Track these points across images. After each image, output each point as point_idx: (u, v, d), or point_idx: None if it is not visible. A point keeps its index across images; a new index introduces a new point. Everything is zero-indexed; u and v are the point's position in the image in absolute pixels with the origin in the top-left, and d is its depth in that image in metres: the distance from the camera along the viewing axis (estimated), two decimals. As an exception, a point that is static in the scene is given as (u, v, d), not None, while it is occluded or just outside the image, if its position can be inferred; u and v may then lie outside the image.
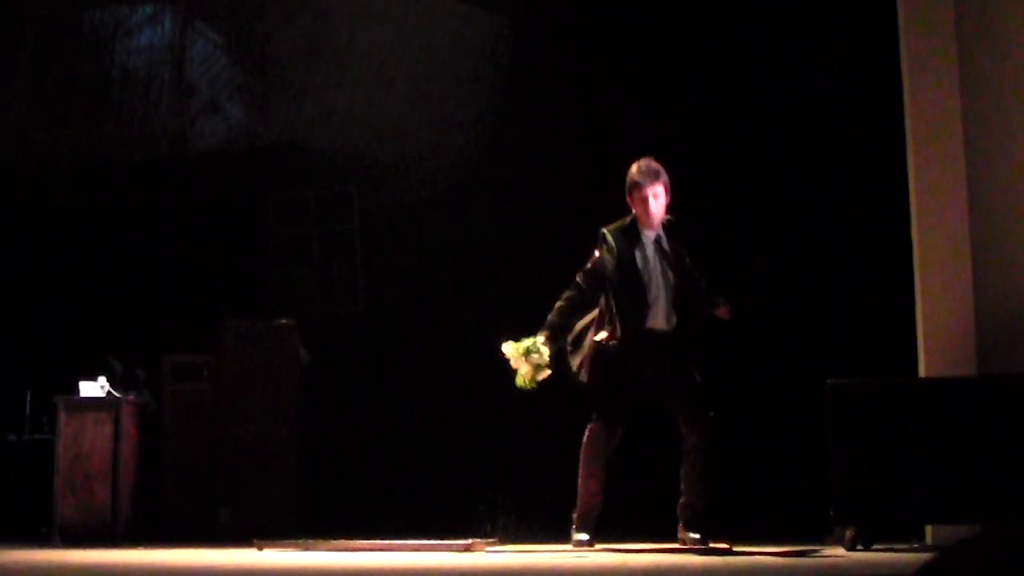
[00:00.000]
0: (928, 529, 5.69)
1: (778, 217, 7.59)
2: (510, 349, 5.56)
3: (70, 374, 7.53)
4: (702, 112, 7.76)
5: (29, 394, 8.22)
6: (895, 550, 5.27)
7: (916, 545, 5.50)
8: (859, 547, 5.24)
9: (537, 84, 8.19)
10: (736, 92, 7.68)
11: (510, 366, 5.56)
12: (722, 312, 5.69)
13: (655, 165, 5.62)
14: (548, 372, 5.55)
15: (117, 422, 7.29)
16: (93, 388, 7.38)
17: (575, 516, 5.61)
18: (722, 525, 5.77)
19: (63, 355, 8.27)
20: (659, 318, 5.56)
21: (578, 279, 5.67)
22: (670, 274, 5.56)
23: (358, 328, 8.82)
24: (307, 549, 5.86)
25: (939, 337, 5.73)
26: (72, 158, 9.17)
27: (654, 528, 5.88)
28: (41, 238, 9.17)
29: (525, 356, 5.51)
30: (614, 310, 5.58)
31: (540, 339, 5.55)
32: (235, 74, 9.41)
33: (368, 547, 5.72)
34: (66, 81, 9.38)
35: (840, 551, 5.20)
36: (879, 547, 5.28)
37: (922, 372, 5.80)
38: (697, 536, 5.44)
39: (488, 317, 8.05)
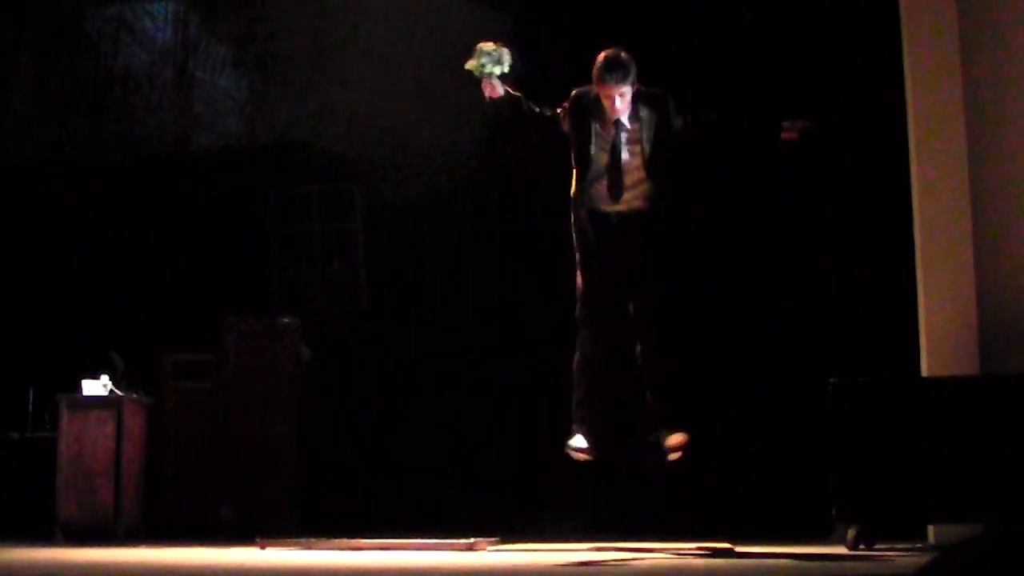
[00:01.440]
0: (930, 529, 5.69)
1: (779, 216, 7.58)
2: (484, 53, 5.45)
3: (72, 372, 7.54)
4: (705, 112, 7.75)
5: (31, 392, 8.23)
6: (897, 549, 5.27)
7: (919, 545, 5.50)
8: (861, 546, 5.24)
9: (540, 81, 8.18)
10: (738, 91, 7.67)
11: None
12: (789, 134, 5.31)
13: (623, 60, 5.28)
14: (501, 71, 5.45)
15: (119, 420, 7.30)
16: (96, 386, 7.39)
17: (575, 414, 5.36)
18: (724, 525, 5.77)
19: (65, 353, 8.28)
20: (604, 197, 5.36)
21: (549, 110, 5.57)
22: (636, 150, 5.33)
23: (360, 326, 8.82)
24: (309, 548, 5.86)
25: (942, 336, 5.72)
26: (74, 156, 9.18)
27: (654, 528, 5.88)
28: (43, 236, 9.17)
29: (487, 60, 5.43)
30: (573, 166, 5.49)
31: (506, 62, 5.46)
32: (237, 71, 9.41)
33: (371, 546, 5.72)
34: (68, 79, 9.39)
35: (842, 550, 5.20)
36: (881, 546, 5.28)
37: (924, 371, 5.80)
38: (656, 443, 5.26)
39: (490, 315, 8.07)
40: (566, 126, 5.49)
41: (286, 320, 8.24)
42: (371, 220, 9.12)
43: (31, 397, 8.23)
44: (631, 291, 5.37)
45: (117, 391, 7.44)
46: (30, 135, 9.22)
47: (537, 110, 5.60)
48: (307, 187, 9.34)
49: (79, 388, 7.43)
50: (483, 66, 5.47)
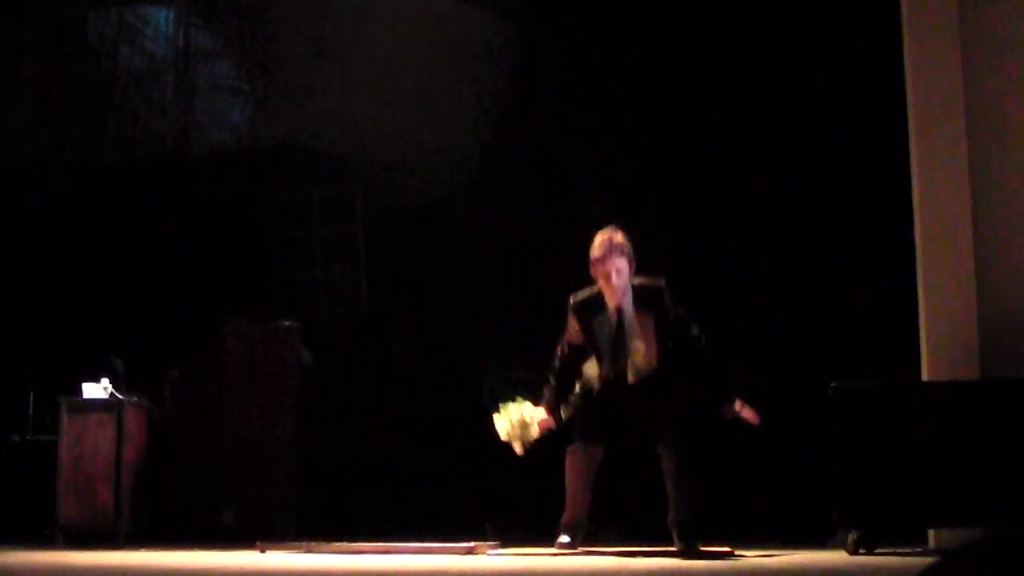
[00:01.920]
0: (931, 533, 5.68)
1: (781, 220, 7.58)
2: (504, 427, 5.75)
3: (73, 375, 7.54)
4: (706, 113, 7.76)
5: (32, 395, 8.22)
6: (897, 554, 5.26)
7: (919, 549, 5.49)
8: (861, 551, 5.24)
9: (541, 85, 8.19)
10: (740, 94, 7.68)
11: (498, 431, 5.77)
12: (739, 409, 5.64)
13: (618, 239, 5.62)
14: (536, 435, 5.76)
15: (120, 423, 7.29)
16: (96, 389, 7.39)
17: (562, 521, 5.69)
18: (725, 529, 5.76)
19: (66, 356, 8.28)
20: (622, 374, 5.63)
21: (558, 351, 5.83)
22: (640, 337, 5.59)
23: (361, 329, 8.82)
24: (309, 551, 5.85)
25: (942, 340, 5.72)
26: (76, 159, 9.18)
27: (654, 531, 5.87)
28: (44, 239, 9.18)
29: (520, 430, 5.73)
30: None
31: (533, 413, 5.74)
32: (239, 75, 9.42)
33: (370, 549, 5.72)
34: (70, 82, 9.39)
35: (843, 555, 5.20)
36: (882, 551, 5.27)
37: (925, 375, 5.79)
38: (683, 547, 5.46)
39: (491, 317, 8.07)
40: (579, 338, 5.72)
41: (287, 323, 8.24)
42: (372, 223, 9.12)
43: (32, 400, 8.23)
44: (654, 438, 5.58)
45: (117, 394, 7.43)
46: (31, 137, 9.23)
47: (564, 379, 5.81)
48: (308, 190, 9.34)
49: (79, 391, 7.43)
50: (528, 443, 5.75)
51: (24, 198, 9.07)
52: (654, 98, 7.86)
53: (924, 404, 5.38)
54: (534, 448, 5.75)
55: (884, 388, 5.47)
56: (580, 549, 5.58)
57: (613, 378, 5.64)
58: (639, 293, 5.63)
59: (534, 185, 8.17)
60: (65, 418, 7.32)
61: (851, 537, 5.29)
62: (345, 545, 5.87)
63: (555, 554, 5.48)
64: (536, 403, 5.80)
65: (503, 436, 5.77)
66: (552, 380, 5.83)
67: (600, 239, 5.64)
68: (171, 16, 9.50)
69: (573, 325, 5.75)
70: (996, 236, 5.75)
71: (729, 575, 4.45)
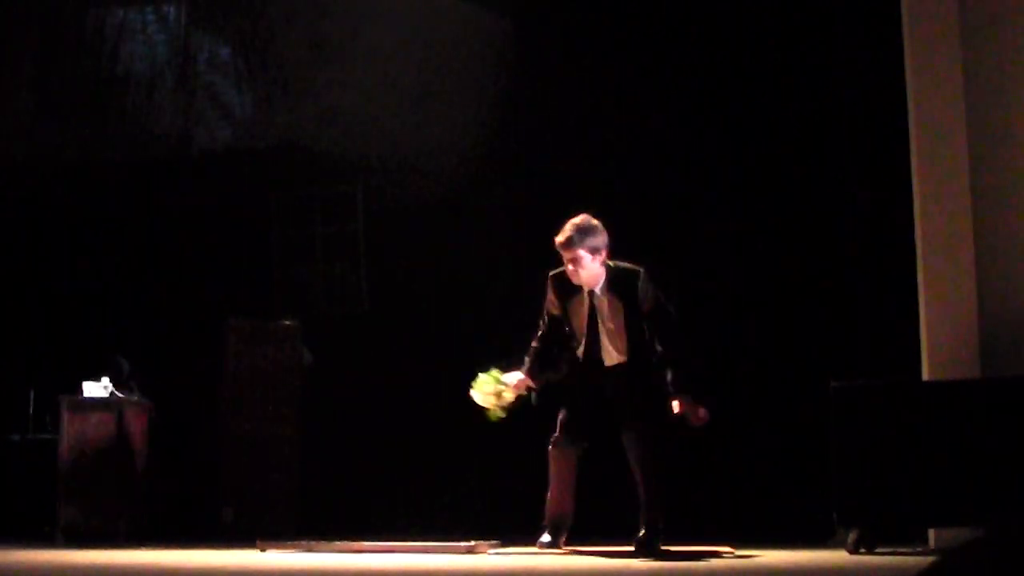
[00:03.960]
0: (931, 532, 5.68)
1: (781, 218, 7.58)
2: (479, 396, 5.67)
3: (74, 374, 7.54)
4: (705, 113, 7.76)
5: (32, 393, 8.23)
6: (898, 553, 5.26)
7: (919, 548, 5.49)
8: (862, 550, 5.24)
9: (541, 85, 8.19)
10: (739, 93, 7.68)
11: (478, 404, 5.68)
12: (680, 409, 5.46)
13: (567, 229, 5.52)
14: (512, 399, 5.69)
15: (120, 422, 7.30)
16: (96, 388, 7.39)
17: (544, 518, 5.71)
18: (725, 528, 5.76)
19: (67, 355, 8.28)
20: (596, 355, 5.61)
21: (540, 321, 5.80)
22: (611, 322, 5.56)
23: (361, 328, 8.82)
24: (310, 550, 5.85)
25: (942, 340, 5.71)
26: (76, 158, 9.19)
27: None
28: (45, 237, 9.18)
29: (495, 396, 5.65)
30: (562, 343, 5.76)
31: (507, 378, 5.65)
32: (239, 74, 9.42)
33: (371, 548, 5.72)
34: (70, 81, 9.40)
35: (843, 554, 5.20)
36: (882, 550, 5.28)
37: (925, 375, 5.78)
38: (639, 546, 5.41)
39: (491, 317, 8.07)
40: (558, 310, 5.71)
41: (287, 322, 8.24)
42: (372, 223, 9.13)
43: (32, 399, 8.23)
44: (620, 423, 5.56)
45: (119, 393, 7.44)
46: (32, 136, 9.23)
47: (546, 345, 5.76)
48: (309, 190, 9.35)
49: (80, 390, 7.43)
50: (499, 410, 5.67)
51: (25, 196, 9.07)
52: (655, 96, 7.86)
53: (924, 403, 5.37)
54: (512, 410, 5.66)
55: (884, 387, 5.47)
56: (564, 549, 5.59)
57: (588, 360, 5.61)
58: (613, 278, 5.56)
59: (535, 183, 8.16)
60: (65, 417, 7.32)
61: (851, 536, 5.29)
62: (345, 544, 5.87)
63: (537, 553, 5.50)
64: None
65: (479, 402, 5.68)
66: (534, 344, 5.75)
67: (563, 232, 5.55)
68: (171, 15, 9.51)
69: (552, 299, 5.72)
70: (996, 235, 5.75)
71: (730, 574, 4.45)
